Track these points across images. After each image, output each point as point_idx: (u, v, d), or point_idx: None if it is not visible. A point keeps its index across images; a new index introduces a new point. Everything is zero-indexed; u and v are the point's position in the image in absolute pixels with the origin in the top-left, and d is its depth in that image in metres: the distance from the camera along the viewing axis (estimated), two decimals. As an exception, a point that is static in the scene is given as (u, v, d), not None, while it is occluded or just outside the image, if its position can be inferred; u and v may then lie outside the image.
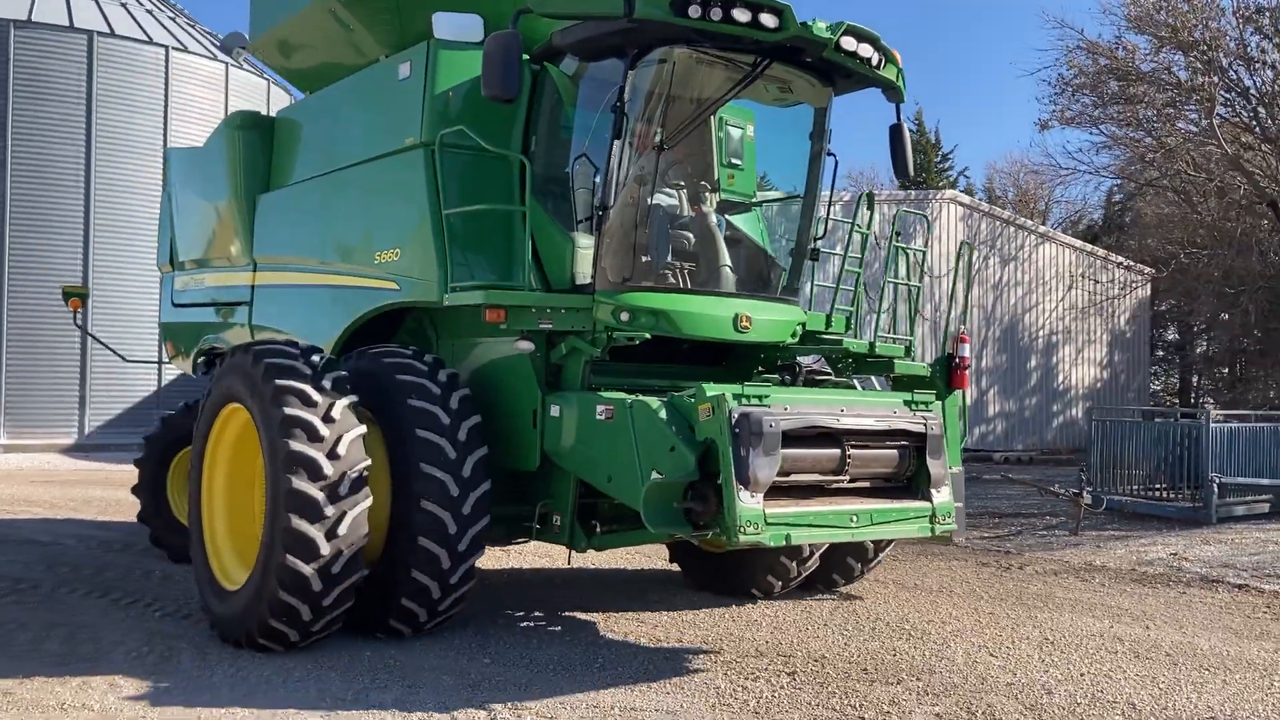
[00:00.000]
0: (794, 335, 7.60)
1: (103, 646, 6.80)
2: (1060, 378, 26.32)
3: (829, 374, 8.18)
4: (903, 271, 8.49)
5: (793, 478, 6.13)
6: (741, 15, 6.53)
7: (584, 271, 6.94)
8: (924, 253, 8.35)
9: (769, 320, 7.28)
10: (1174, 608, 8.88)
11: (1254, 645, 7.57)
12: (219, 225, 9.44)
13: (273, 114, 9.36)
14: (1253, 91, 22.96)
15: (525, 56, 6.94)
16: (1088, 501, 13.02)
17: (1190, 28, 22.41)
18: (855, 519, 6.26)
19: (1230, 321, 26.08)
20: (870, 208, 8.13)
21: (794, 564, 8.23)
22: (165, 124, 23.90)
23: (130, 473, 10.35)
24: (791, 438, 6.04)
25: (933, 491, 6.60)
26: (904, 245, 8.32)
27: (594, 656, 6.81)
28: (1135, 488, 14.80)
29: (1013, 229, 25.68)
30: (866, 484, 6.58)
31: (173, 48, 24.11)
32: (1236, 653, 7.34)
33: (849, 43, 6.93)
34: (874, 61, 7.19)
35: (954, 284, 8.98)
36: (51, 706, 5.59)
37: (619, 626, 7.58)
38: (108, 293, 21.87)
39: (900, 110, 8.03)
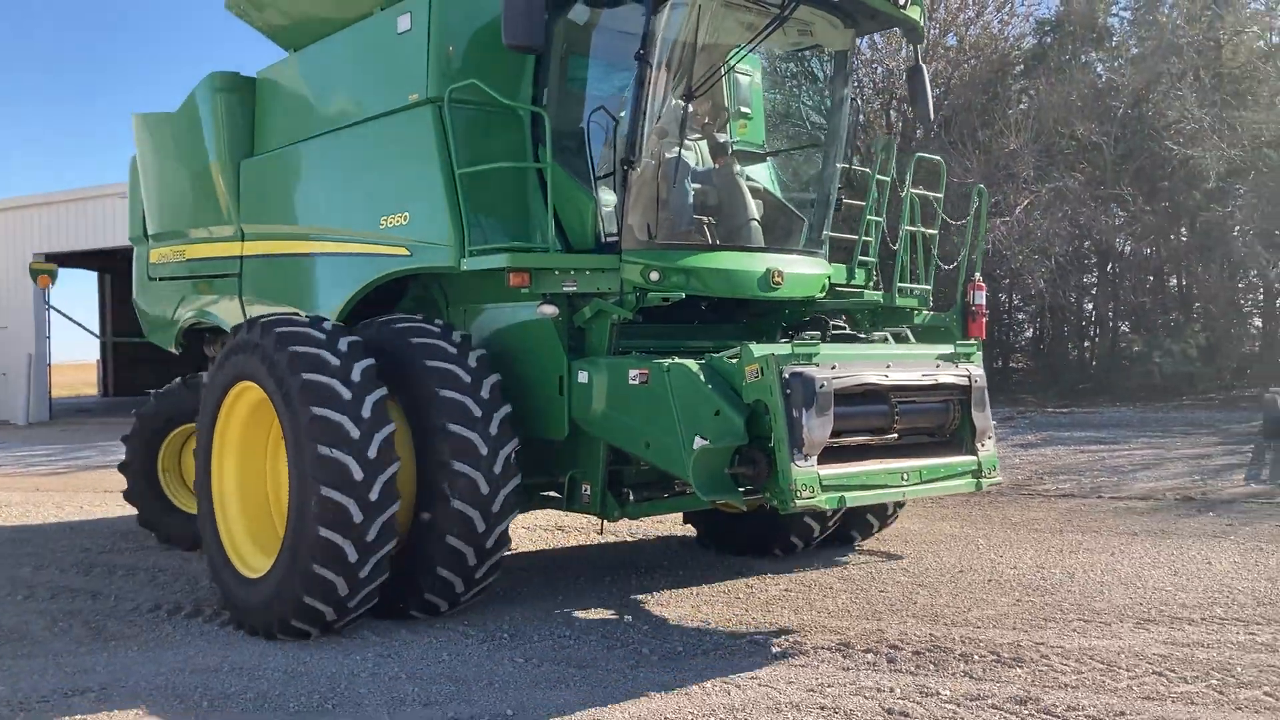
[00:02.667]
0: (822, 290, 7.33)
1: (37, 636, 6.46)
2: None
3: (844, 329, 7.93)
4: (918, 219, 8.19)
5: (843, 438, 5.89)
6: None
7: (607, 230, 6.61)
8: (940, 198, 8.10)
9: (800, 275, 7.00)
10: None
11: (984, 530, 9.42)
12: (199, 194, 8.88)
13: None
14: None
15: None
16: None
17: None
18: (905, 477, 6.06)
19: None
20: (890, 154, 7.86)
21: (818, 526, 8.06)
22: None
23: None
24: (841, 396, 5.79)
25: (978, 445, 6.42)
26: (922, 191, 8.05)
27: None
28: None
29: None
30: (917, 440, 6.36)
31: None
32: (984, 535, 9.15)
33: None
34: (902, 2, 6.93)
35: (968, 229, 8.87)
36: (91, 690, 5.34)
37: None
38: None
39: (919, 51, 7.79)
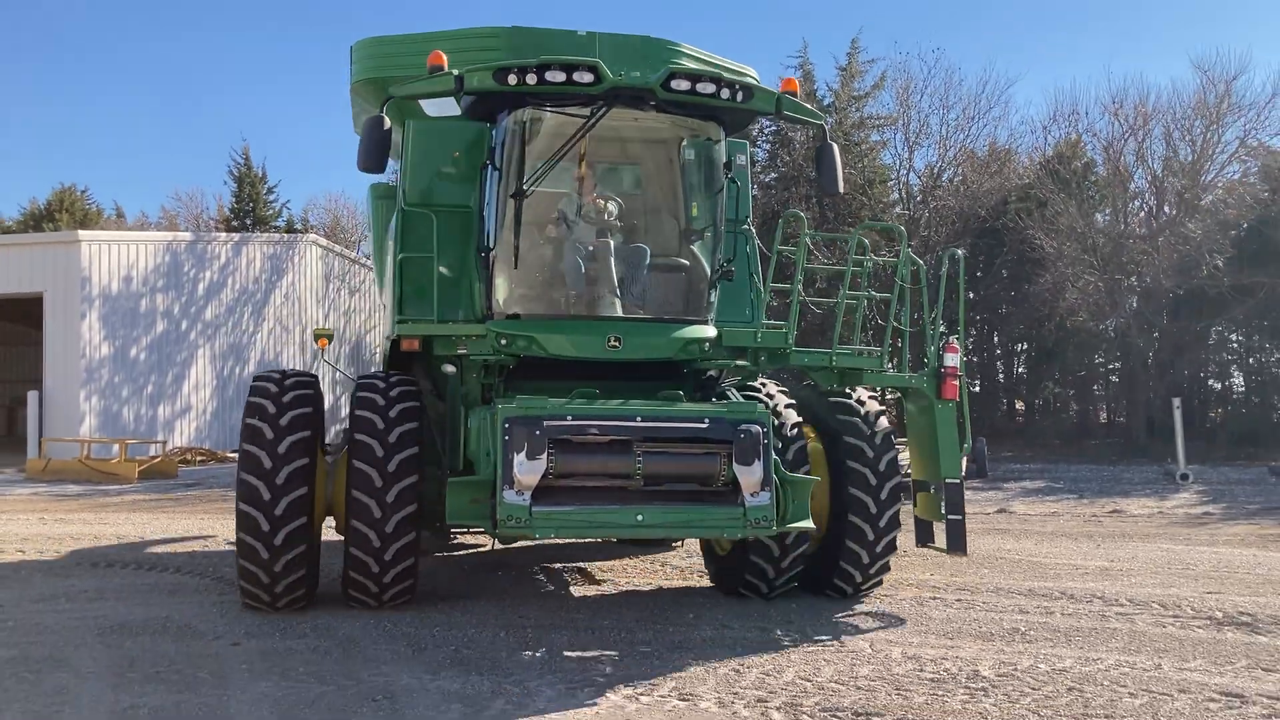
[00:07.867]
0: (686, 351, 7.89)
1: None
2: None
3: (761, 385, 8.70)
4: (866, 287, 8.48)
5: (575, 480, 6.71)
6: (555, 77, 7.12)
7: (484, 304, 7.89)
8: (902, 265, 8.32)
9: (647, 340, 7.72)
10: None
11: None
12: (381, 266, 10.89)
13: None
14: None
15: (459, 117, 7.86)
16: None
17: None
18: (641, 517, 6.76)
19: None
20: (800, 227, 8.34)
21: (770, 569, 8.40)
22: None
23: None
24: (573, 444, 6.64)
25: (747, 497, 6.87)
26: (864, 259, 8.27)
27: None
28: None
29: (357, 266, 33.29)
30: (680, 487, 6.94)
31: None
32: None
33: (680, 84, 7.25)
34: (726, 96, 7.35)
35: (940, 294, 8.77)
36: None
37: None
38: None
39: (827, 133, 8.21)
